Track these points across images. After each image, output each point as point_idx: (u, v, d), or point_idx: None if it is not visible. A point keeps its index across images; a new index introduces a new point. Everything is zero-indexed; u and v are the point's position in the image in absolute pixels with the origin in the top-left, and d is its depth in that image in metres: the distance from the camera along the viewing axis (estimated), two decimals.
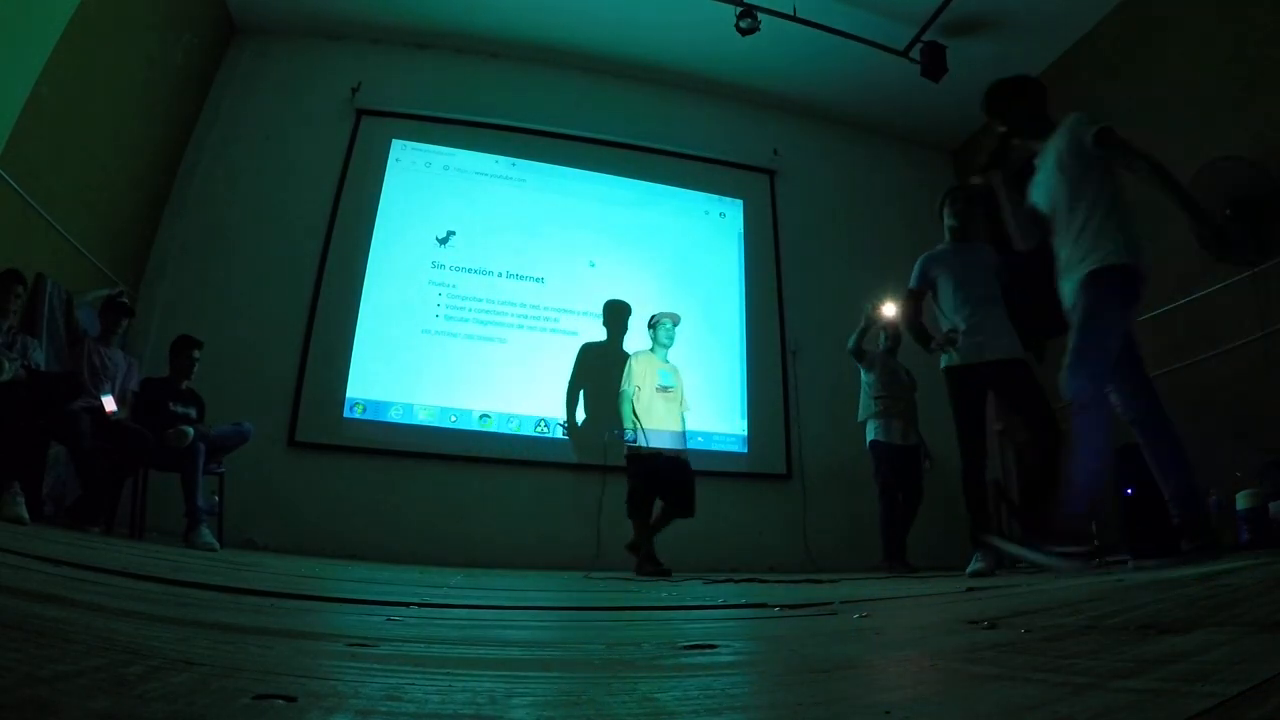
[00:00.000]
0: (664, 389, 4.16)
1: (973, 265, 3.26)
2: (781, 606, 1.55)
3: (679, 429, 4.19)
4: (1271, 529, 3.25)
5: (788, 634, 1.19)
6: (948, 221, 3.38)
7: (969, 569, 3.01)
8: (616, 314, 5.11)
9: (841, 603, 1.65)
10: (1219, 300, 4.04)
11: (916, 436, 4.40)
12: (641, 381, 4.13)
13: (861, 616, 1.32)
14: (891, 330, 4.50)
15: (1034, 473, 3.01)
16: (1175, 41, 4.47)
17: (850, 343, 4.48)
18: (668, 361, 4.28)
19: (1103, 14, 4.96)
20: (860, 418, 4.50)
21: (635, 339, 4.80)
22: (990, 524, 3.03)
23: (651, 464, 3.97)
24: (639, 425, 4.04)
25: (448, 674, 0.64)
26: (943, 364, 3.18)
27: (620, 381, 4.17)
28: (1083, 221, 2.47)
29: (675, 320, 4.32)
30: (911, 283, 3.35)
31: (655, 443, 4.03)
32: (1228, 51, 4.12)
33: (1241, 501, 3.46)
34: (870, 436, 4.40)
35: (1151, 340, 4.47)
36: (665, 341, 4.26)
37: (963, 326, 3.14)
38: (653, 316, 4.36)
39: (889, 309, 4.43)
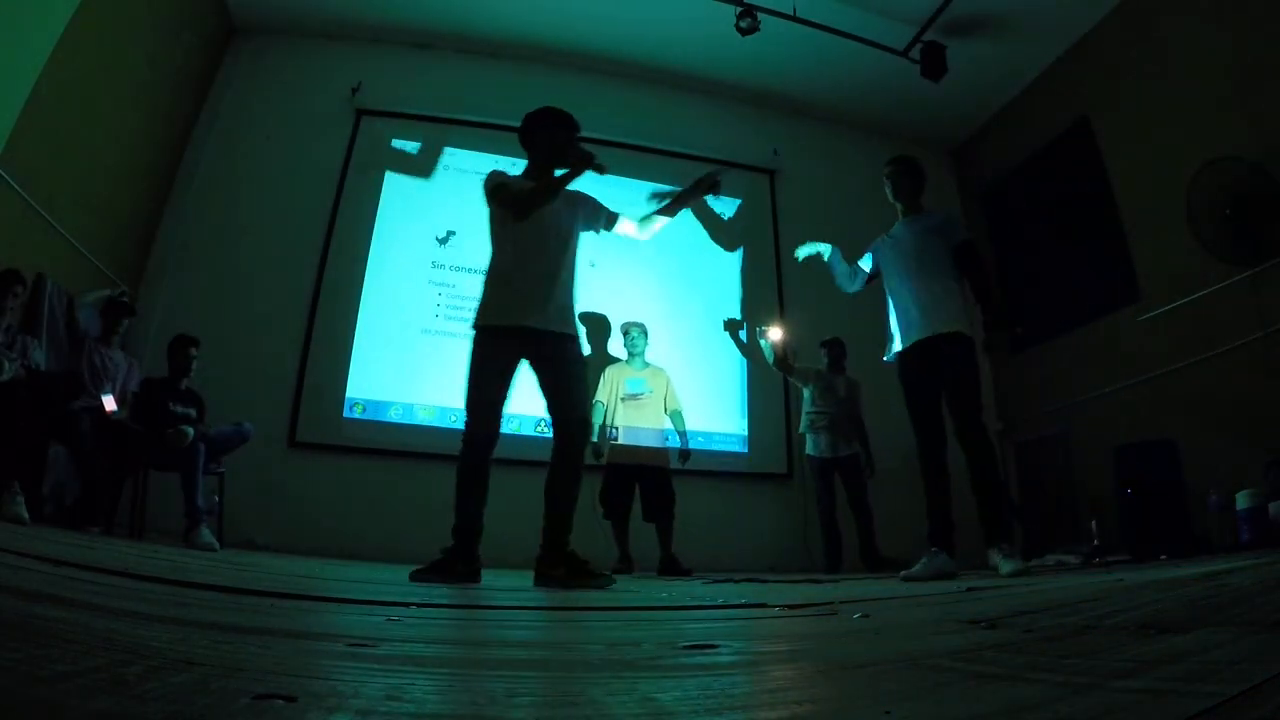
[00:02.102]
0: (631, 397, 4.26)
1: (902, 240, 3.13)
2: (781, 606, 1.55)
3: (654, 434, 4.25)
4: (1271, 529, 3.25)
5: (788, 634, 1.19)
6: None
7: (902, 573, 2.81)
8: (596, 327, 5.16)
9: (841, 603, 1.65)
10: (1219, 300, 4.04)
11: (850, 448, 4.57)
12: (607, 393, 4.30)
13: (861, 616, 1.32)
14: (781, 351, 4.71)
15: (974, 472, 2.83)
16: (1175, 42, 4.47)
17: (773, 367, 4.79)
18: (645, 368, 4.36)
19: (1103, 14, 4.96)
20: (800, 430, 4.79)
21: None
22: (947, 525, 2.82)
23: (618, 470, 4.09)
24: (606, 433, 4.22)
25: (448, 674, 0.64)
26: (887, 357, 3.12)
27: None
28: None
29: (642, 329, 4.40)
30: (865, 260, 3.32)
31: (624, 449, 4.19)
32: (1227, 51, 4.12)
33: (1241, 501, 3.47)
34: (806, 450, 4.69)
35: (1152, 340, 4.50)
36: (633, 350, 4.35)
37: (903, 305, 3.04)
38: (622, 327, 4.48)
39: (775, 332, 4.70)
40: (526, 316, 2.52)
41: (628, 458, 4.17)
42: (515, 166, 5.47)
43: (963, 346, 2.91)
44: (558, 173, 2.68)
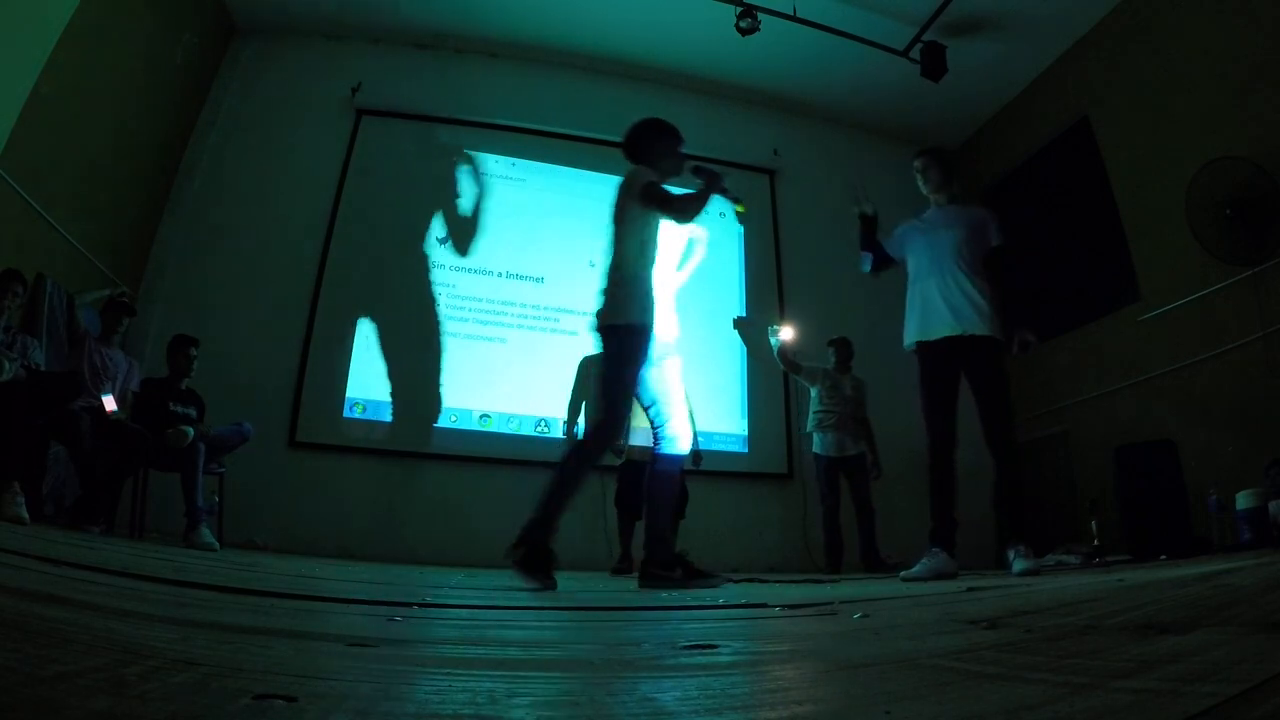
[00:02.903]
0: None
1: (936, 229, 3.04)
2: (781, 606, 1.55)
3: None
4: (1271, 529, 3.25)
5: (788, 634, 1.19)
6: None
7: (902, 573, 2.79)
8: None
9: (841, 603, 1.65)
10: (1219, 300, 4.04)
11: (857, 448, 4.58)
12: None
13: (861, 616, 1.32)
14: (788, 352, 4.71)
15: (1001, 477, 2.80)
16: (1175, 41, 4.47)
17: (780, 364, 4.78)
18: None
19: (1103, 14, 4.96)
20: (805, 430, 4.77)
21: None
22: (950, 525, 2.77)
23: (637, 467, 4.07)
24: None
25: (448, 674, 0.64)
26: (907, 343, 3.02)
27: None
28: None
29: None
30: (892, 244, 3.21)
31: (641, 448, 4.11)
32: (1228, 51, 4.12)
33: (1241, 501, 3.46)
34: (813, 449, 4.65)
35: (1152, 340, 4.50)
36: None
37: (931, 298, 2.95)
38: None
39: (787, 332, 4.70)
40: (653, 319, 2.55)
41: (645, 455, 4.14)
42: (515, 167, 5.55)
43: (996, 352, 2.86)
44: (662, 187, 2.64)
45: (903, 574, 2.77)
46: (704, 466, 4.48)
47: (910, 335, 3.02)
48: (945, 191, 3.13)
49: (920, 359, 2.98)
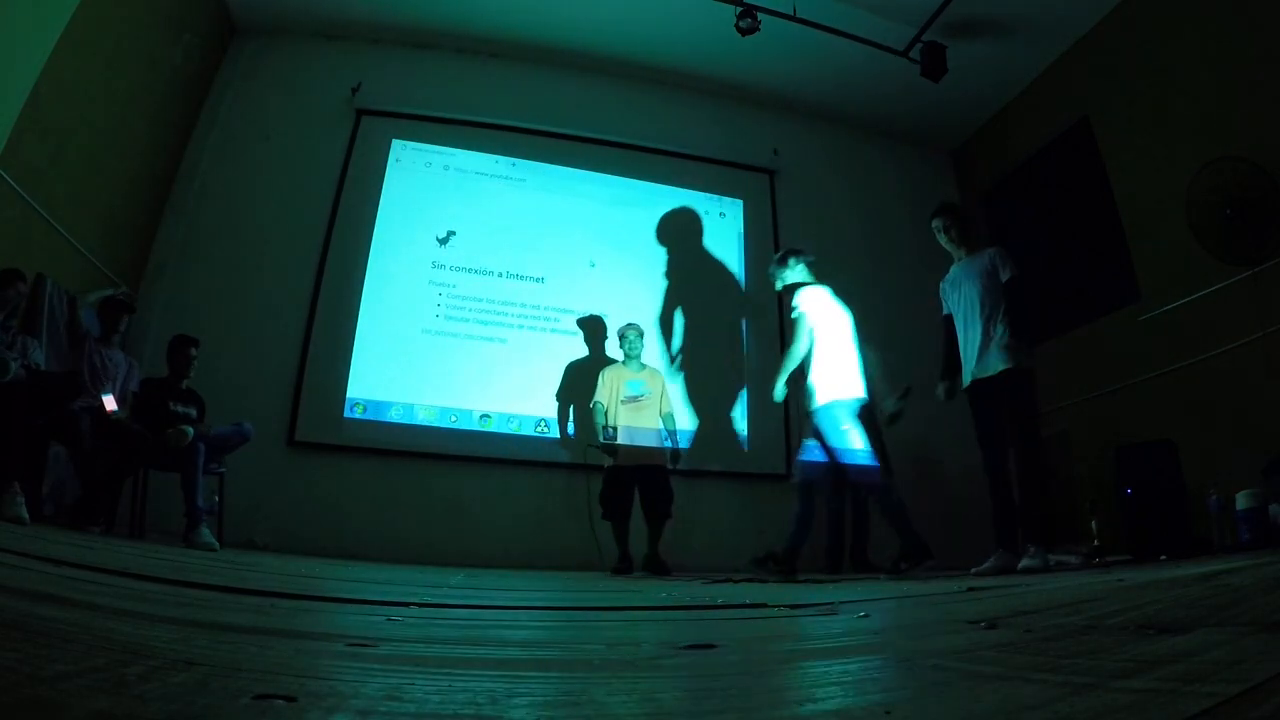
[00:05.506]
0: (632, 399, 4.27)
1: (960, 284, 3.48)
2: (781, 606, 1.55)
3: (652, 435, 4.25)
4: (1271, 529, 3.25)
5: (788, 634, 1.19)
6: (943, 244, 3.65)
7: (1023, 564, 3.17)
8: (593, 328, 5.16)
9: (841, 603, 1.65)
10: (1219, 300, 4.04)
11: None
12: (608, 394, 4.30)
13: (861, 616, 1.32)
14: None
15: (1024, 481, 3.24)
16: (1175, 42, 4.47)
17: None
18: (643, 370, 4.38)
19: (1103, 14, 4.96)
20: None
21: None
22: (1009, 533, 3.19)
23: (618, 470, 4.09)
24: (606, 434, 4.22)
25: (448, 674, 0.64)
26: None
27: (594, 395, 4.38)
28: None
29: (640, 332, 4.42)
30: (943, 308, 3.65)
31: (625, 450, 4.19)
32: (1228, 51, 4.11)
33: (1241, 501, 3.46)
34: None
35: (1152, 340, 4.50)
36: (631, 352, 4.36)
37: (966, 350, 3.43)
38: (619, 330, 4.51)
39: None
40: None
41: (628, 459, 4.17)
42: (516, 167, 5.54)
43: (1005, 379, 3.27)
44: None
45: (1023, 564, 3.10)
46: (704, 467, 4.50)
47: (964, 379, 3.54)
48: (965, 246, 3.55)
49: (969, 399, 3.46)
